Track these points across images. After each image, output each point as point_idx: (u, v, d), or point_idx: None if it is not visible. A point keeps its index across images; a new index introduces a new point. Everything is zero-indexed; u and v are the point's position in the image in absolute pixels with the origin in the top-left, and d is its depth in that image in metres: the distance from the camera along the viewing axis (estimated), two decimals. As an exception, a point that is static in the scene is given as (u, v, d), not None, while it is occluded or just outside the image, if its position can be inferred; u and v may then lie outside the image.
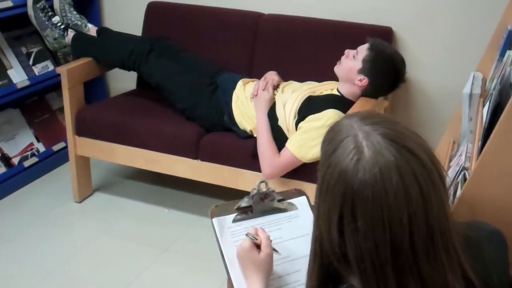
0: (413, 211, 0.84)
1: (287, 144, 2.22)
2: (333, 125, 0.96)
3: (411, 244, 0.85)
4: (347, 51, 2.32)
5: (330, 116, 2.17)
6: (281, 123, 2.31)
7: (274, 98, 2.39)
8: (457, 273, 0.89)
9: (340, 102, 2.26)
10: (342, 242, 0.89)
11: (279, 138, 2.27)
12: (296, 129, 2.25)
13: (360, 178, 0.85)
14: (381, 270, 0.86)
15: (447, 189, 0.96)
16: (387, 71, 2.27)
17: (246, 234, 1.24)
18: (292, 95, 2.36)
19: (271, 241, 1.24)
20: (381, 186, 0.84)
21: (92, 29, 2.84)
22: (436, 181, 0.88)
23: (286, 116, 2.30)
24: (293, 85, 2.47)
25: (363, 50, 2.27)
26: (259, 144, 2.28)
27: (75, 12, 2.88)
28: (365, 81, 2.26)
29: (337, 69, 2.33)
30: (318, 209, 0.94)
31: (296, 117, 2.28)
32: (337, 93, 2.33)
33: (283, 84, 2.47)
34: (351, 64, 2.28)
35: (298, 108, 2.29)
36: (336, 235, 0.89)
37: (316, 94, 2.36)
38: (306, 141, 2.17)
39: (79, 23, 2.84)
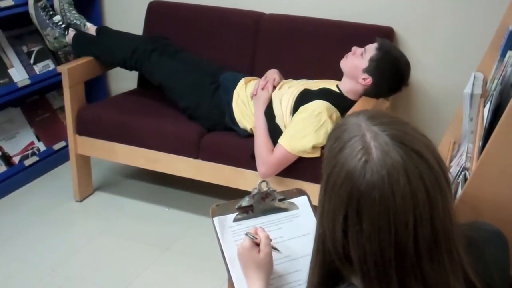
0: (419, 214, 0.84)
1: (279, 140, 2.22)
2: (339, 122, 0.95)
3: (415, 247, 0.85)
4: (354, 48, 2.31)
5: (316, 106, 2.17)
6: (278, 120, 2.31)
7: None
8: (459, 275, 0.89)
9: (332, 96, 2.26)
10: (346, 242, 0.88)
11: (277, 137, 2.26)
12: None
13: (368, 180, 0.84)
14: (384, 272, 0.86)
15: (452, 191, 0.96)
16: (392, 73, 2.27)
17: (246, 234, 1.24)
18: (288, 90, 2.36)
19: (270, 240, 1.24)
20: (389, 188, 0.84)
21: (91, 28, 2.84)
22: (443, 184, 0.87)
23: (283, 113, 2.30)
24: (291, 82, 2.46)
25: (371, 49, 2.26)
26: (256, 143, 2.28)
27: (74, 12, 2.88)
28: (368, 80, 2.25)
29: (343, 64, 2.32)
30: (322, 208, 0.93)
31: (292, 113, 2.28)
32: (335, 89, 2.33)
33: (282, 82, 2.47)
34: (358, 62, 2.27)
35: (293, 102, 2.28)
36: (340, 235, 0.88)
37: (311, 88, 2.36)
38: (295, 132, 2.17)
39: (78, 22, 2.84)
